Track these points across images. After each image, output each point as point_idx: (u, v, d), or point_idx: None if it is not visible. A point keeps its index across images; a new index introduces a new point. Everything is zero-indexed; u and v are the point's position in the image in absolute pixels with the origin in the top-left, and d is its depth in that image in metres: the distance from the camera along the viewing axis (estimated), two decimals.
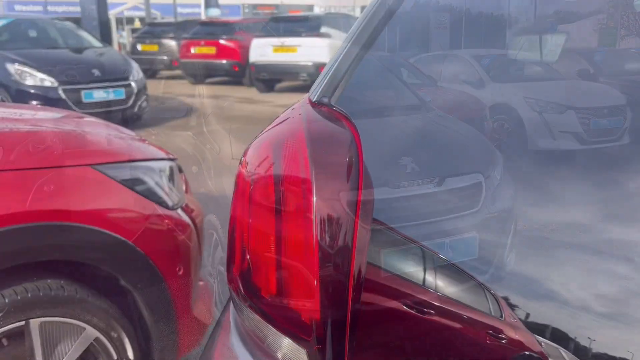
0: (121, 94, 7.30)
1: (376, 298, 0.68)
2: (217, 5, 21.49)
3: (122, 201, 1.63)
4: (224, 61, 12.79)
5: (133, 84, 7.47)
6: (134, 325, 1.69)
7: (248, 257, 0.75)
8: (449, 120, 0.86)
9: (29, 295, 1.43)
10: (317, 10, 55.41)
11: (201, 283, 2.08)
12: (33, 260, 1.45)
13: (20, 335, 1.45)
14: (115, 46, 18.95)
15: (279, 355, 0.70)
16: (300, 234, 0.70)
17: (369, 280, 0.67)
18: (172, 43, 14.75)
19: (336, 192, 0.69)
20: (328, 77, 0.82)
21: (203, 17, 21.41)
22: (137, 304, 1.67)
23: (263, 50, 11.51)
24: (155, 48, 14.95)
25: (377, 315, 0.68)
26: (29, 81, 6.74)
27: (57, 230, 1.48)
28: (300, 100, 0.86)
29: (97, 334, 1.57)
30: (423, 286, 0.67)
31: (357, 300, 0.65)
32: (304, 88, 12.76)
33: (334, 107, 0.75)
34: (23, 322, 1.42)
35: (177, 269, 1.77)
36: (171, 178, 1.90)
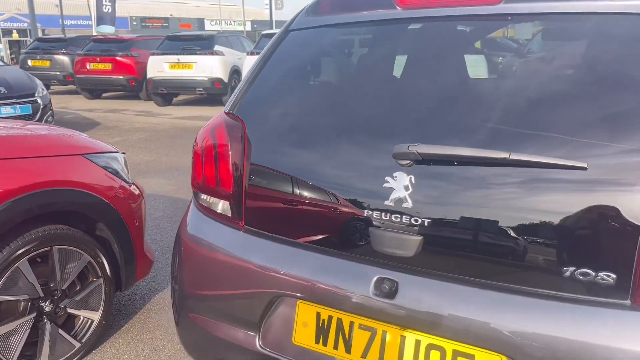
0: (28, 109, 7.79)
1: (253, 195, 1.75)
2: (112, 21, 21.54)
3: (102, 177, 2.60)
4: (121, 76, 13.32)
5: (39, 100, 7.98)
6: (110, 255, 2.65)
7: (202, 177, 1.81)
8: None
9: (51, 232, 2.36)
10: (208, 24, 55.37)
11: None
12: (53, 211, 2.38)
13: (46, 257, 2.37)
14: None
15: (217, 209, 1.76)
16: (225, 169, 1.77)
17: (250, 188, 1.74)
18: (64, 59, 14.92)
19: (237, 149, 1.76)
20: (233, 99, 1.90)
21: (94, 32, 21.43)
22: (112, 242, 2.63)
23: (160, 67, 12.24)
24: (47, 64, 15.02)
25: (253, 195, 1.75)
26: None
27: (65, 192, 2.42)
28: (219, 112, 1.94)
29: (89, 258, 2.52)
30: (279, 190, 1.75)
31: (247, 194, 1.72)
32: (200, 101, 13.65)
33: (235, 114, 1.83)
34: (49, 248, 2.35)
35: (135, 222, 2.75)
36: (125, 165, 2.87)
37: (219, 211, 1.78)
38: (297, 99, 1.80)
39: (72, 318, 2.54)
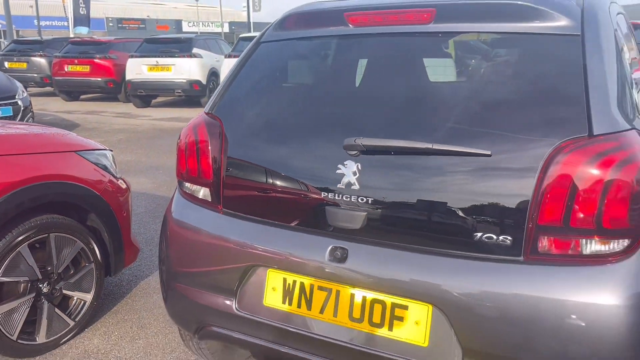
0: (9, 111, 7.94)
1: (230, 183, 2.06)
2: (87, 22, 21.54)
3: (93, 172, 2.87)
4: (99, 78, 13.44)
5: (20, 102, 8.13)
6: (101, 243, 2.92)
7: (186, 168, 2.11)
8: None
9: (49, 221, 2.63)
10: (185, 25, 55.20)
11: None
12: (49, 201, 2.65)
13: (44, 243, 2.64)
14: None
15: (199, 195, 2.06)
16: (205, 161, 2.07)
17: (227, 177, 2.05)
18: (41, 61, 14.96)
19: (216, 144, 2.07)
20: (212, 101, 2.20)
21: (71, 33, 21.44)
22: (102, 231, 2.91)
23: (138, 69, 12.42)
24: (23, 66, 15.05)
25: (229, 183, 2.05)
26: None
27: (60, 185, 2.69)
28: (199, 113, 2.24)
29: (82, 245, 2.79)
30: (251, 178, 2.06)
31: (224, 183, 2.03)
32: (179, 102, 13.85)
33: (213, 113, 2.13)
34: (46, 235, 2.62)
35: (123, 213, 3.03)
36: (113, 161, 3.15)
37: (200, 197, 2.08)
38: (267, 101, 2.12)
39: (67, 299, 2.80)
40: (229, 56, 12.12)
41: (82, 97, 14.92)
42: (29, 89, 15.96)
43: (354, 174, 1.71)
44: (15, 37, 19.38)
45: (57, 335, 2.72)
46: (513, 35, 1.72)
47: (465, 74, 2.02)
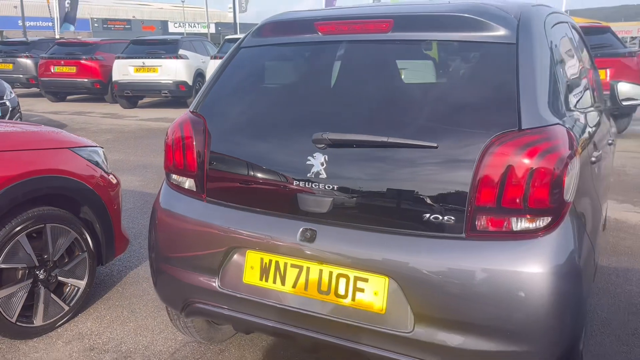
0: None
1: (213, 174, 2.28)
2: (73, 20, 21.57)
3: (85, 167, 3.08)
4: (86, 79, 13.57)
5: (7, 102, 8.27)
6: (93, 234, 3.13)
7: (173, 162, 2.33)
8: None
9: (45, 212, 2.83)
10: (172, 26, 55.07)
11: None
12: (45, 194, 2.85)
13: (40, 233, 2.84)
14: None
15: (185, 186, 2.29)
16: (190, 155, 2.29)
17: (211, 169, 2.28)
18: (27, 62, 15.06)
19: (200, 140, 2.29)
20: (196, 100, 2.43)
21: (57, 33, 21.46)
22: (94, 223, 3.11)
23: (125, 70, 12.57)
24: (9, 67, 15.13)
25: (212, 175, 2.28)
26: None
27: (55, 179, 2.89)
28: (186, 111, 2.47)
29: (75, 235, 3.00)
30: (232, 170, 2.28)
31: (208, 174, 2.25)
32: (165, 103, 14.02)
33: (197, 112, 2.36)
34: (43, 225, 2.83)
35: (114, 206, 3.24)
36: (105, 157, 3.36)
37: (186, 187, 2.30)
38: (246, 101, 2.35)
39: (61, 285, 3.01)
40: (215, 57, 12.31)
41: (69, 98, 15.01)
42: (14, 89, 16.11)
43: (322, 164, 1.94)
44: (2, 40, 19.35)
45: (53, 319, 2.92)
46: (460, 43, 1.98)
47: (420, 76, 2.27)
